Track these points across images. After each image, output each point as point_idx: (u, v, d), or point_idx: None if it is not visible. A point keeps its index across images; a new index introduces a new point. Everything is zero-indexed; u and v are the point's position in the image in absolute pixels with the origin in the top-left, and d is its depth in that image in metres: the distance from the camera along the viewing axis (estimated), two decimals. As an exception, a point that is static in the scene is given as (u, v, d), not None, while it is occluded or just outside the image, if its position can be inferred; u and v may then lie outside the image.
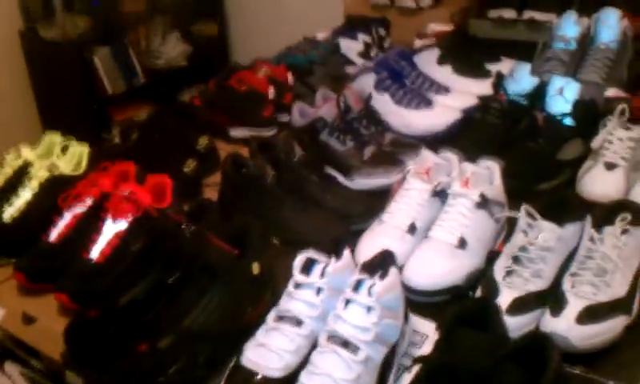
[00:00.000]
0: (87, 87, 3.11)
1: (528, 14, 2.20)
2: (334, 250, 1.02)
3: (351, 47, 2.06)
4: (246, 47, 3.64)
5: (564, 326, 0.98)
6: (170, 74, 3.40)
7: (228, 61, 3.73)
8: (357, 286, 0.94)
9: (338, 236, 1.18)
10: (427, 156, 1.31)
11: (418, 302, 1.11)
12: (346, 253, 1.01)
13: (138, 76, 3.25)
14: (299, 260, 0.99)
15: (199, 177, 1.54)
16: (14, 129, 3.04)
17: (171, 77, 3.35)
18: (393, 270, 0.97)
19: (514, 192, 1.26)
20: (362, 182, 1.46)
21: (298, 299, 0.98)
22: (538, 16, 2.14)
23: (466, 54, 1.91)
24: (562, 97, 1.50)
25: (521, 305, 1.02)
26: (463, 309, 0.90)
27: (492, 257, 1.16)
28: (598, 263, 1.03)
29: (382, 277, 0.95)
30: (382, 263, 0.99)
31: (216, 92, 1.81)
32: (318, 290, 0.98)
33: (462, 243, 1.16)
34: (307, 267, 1.00)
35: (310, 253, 1.00)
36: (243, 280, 1.06)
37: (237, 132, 1.74)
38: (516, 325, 1.00)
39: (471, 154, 1.36)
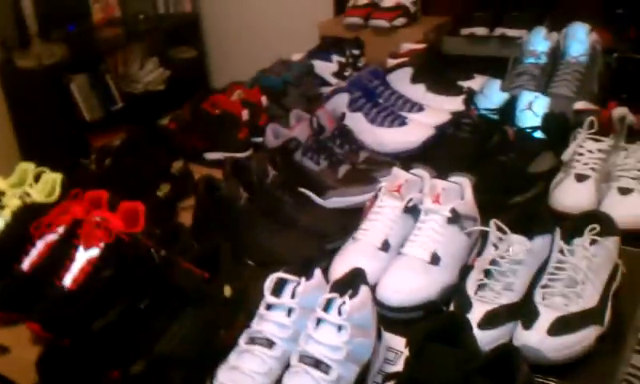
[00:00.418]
0: (65, 114, 3.11)
1: (500, 31, 2.24)
2: (305, 270, 1.02)
3: (325, 68, 2.08)
4: (224, 70, 3.66)
5: (536, 338, 0.98)
6: (148, 98, 3.41)
7: (207, 84, 3.75)
8: (327, 306, 0.94)
9: (313, 256, 1.19)
10: (399, 173, 1.31)
11: (392, 318, 1.11)
12: (317, 272, 1.01)
13: (115, 101, 3.25)
14: (270, 281, 0.99)
15: (174, 201, 1.53)
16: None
17: (150, 101, 3.36)
18: (363, 288, 0.97)
19: (487, 206, 1.26)
20: (337, 200, 1.46)
21: (269, 320, 0.98)
22: (510, 32, 2.18)
23: (438, 71, 1.93)
24: (532, 111, 1.51)
25: (493, 318, 1.03)
26: (433, 325, 0.90)
27: (466, 271, 1.16)
28: (568, 274, 1.04)
29: (353, 295, 0.95)
30: (352, 281, 0.99)
31: (190, 116, 1.81)
32: (289, 311, 0.98)
33: (435, 259, 1.16)
34: (278, 288, 1.00)
35: (281, 273, 1.00)
36: (215, 303, 1.05)
37: (212, 155, 1.74)
38: (488, 338, 1.00)
39: (444, 169, 1.37)
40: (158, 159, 1.58)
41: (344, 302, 0.94)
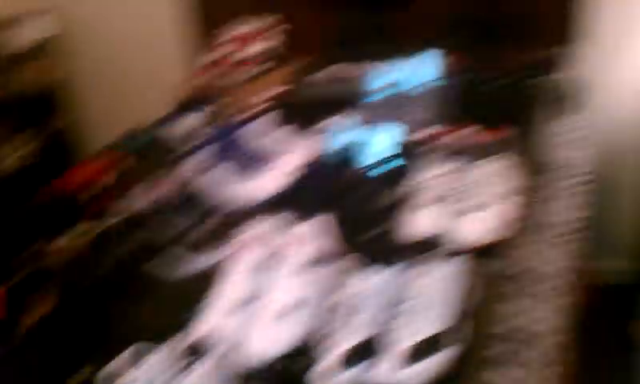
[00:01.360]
0: None
1: (360, 66, 2.29)
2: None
3: (184, 127, 2.05)
4: (98, 137, 3.57)
5: (387, 371, 0.99)
6: (19, 174, 3.28)
7: (83, 150, 3.65)
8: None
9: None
10: (257, 223, 1.31)
11: (259, 371, 1.09)
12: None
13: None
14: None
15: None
16: None
17: (21, 177, 3.23)
18: (213, 353, 0.95)
19: (346, 243, 1.28)
20: (189, 267, 1.41)
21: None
22: (368, 67, 2.23)
23: (297, 114, 1.95)
24: (381, 144, 1.55)
25: (351, 357, 1.03)
26: (285, 371, 0.89)
27: (330, 311, 1.16)
28: (415, 302, 1.06)
29: (203, 360, 0.93)
30: (204, 346, 0.97)
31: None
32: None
33: (299, 303, 1.15)
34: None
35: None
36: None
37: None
38: (348, 377, 1.00)
39: (306, 211, 1.37)
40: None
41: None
